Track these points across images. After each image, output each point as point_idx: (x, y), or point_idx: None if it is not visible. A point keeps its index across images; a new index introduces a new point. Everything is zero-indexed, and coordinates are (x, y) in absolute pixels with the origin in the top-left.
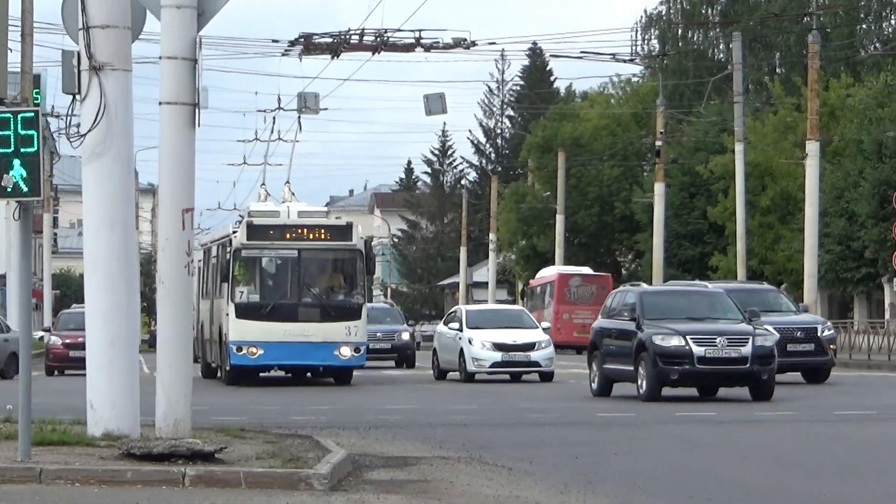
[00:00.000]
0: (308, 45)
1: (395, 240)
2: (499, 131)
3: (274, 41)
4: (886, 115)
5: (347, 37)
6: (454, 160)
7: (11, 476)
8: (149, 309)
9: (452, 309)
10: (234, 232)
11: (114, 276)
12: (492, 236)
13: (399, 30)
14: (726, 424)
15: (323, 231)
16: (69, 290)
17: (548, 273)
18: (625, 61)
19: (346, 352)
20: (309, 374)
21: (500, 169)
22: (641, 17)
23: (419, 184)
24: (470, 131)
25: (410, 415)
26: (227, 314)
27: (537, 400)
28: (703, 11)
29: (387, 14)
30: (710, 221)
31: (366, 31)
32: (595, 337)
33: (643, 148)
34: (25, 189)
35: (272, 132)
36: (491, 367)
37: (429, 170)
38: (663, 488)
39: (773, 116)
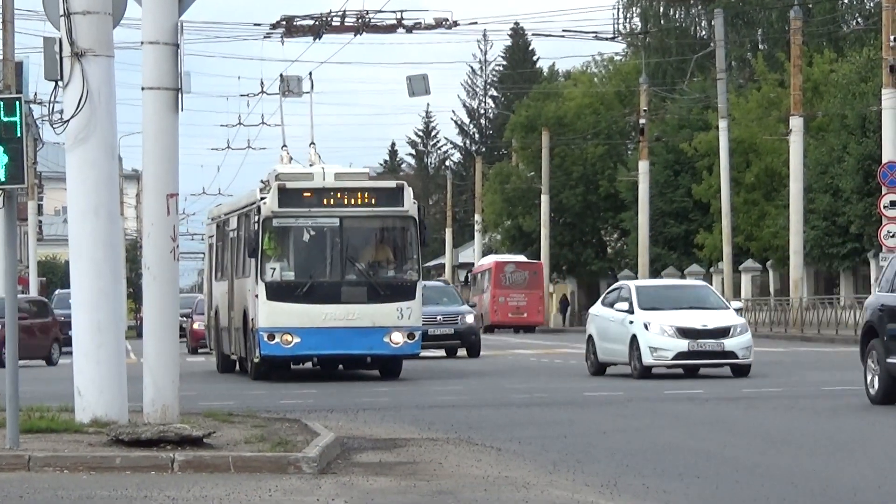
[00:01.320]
0: (290, 27)
1: None
2: (482, 112)
3: (256, 24)
4: (870, 90)
5: (329, 19)
6: (438, 141)
7: (0, 464)
8: (135, 295)
9: (616, 285)
10: (263, 198)
11: (99, 262)
12: (477, 217)
13: (380, 11)
14: (714, 401)
15: (369, 194)
16: (55, 276)
17: (486, 261)
18: (607, 39)
19: (397, 338)
20: (340, 367)
21: (484, 149)
22: None
23: (403, 165)
24: (453, 112)
25: (398, 397)
26: (256, 296)
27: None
28: None
29: None
30: (694, 199)
31: (347, 12)
32: (873, 318)
33: (627, 126)
34: (9, 176)
35: (283, 92)
36: (675, 358)
37: (413, 151)
38: (652, 467)
39: (757, 93)
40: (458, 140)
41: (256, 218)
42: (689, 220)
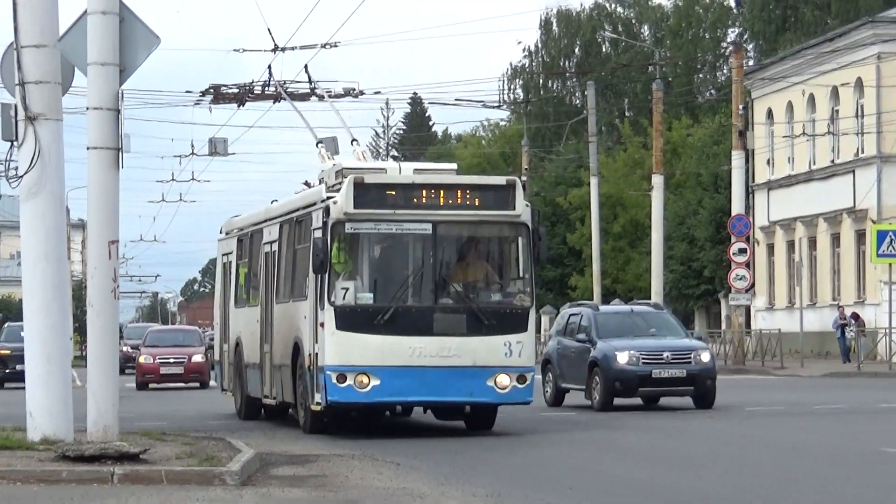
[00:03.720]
0: (217, 95)
1: None
2: None
3: (187, 92)
4: (721, 152)
5: (251, 87)
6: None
7: None
8: (80, 329)
9: None
10: (330, 197)
11: (49, 301)
12: None
13: (296, 81)
14: (595, 422)
15: (471, 193)
16: (10, 313)
17: None
18: (494, 107)
19: (504, 381)
20: (387, 413)
21: None
22: (508, 68)
23: None
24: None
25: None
26: (321, 324)
27: None
28: (561, 63)
29: (286, 67)
30: (569, 246)
31: (267, 82)
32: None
33: None
34: None
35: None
36: None
37: None
38: (532, 480)
39: (624, 154)
40: None
41: (323, 221)
42: (564, 264)
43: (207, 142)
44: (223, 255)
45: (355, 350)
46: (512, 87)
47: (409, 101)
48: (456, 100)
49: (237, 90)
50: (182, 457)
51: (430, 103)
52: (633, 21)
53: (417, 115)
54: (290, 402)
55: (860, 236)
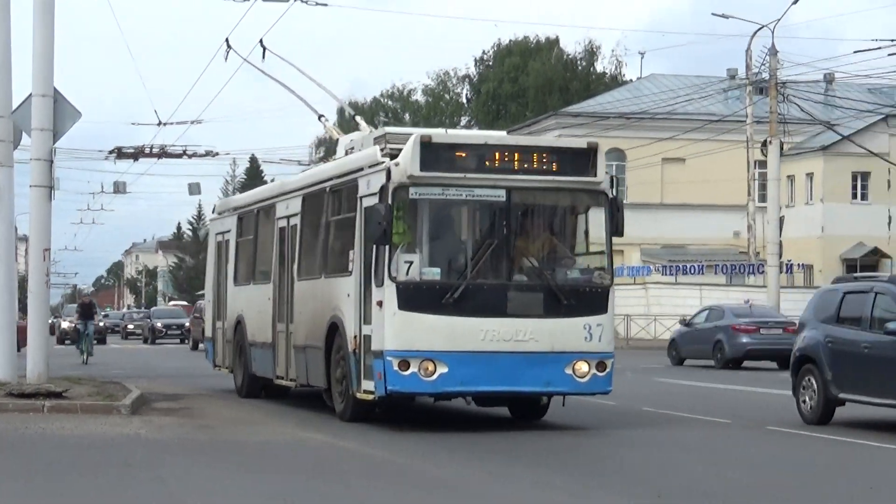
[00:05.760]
0: (119, 153)
1: (171, 266)
2: None
3: (99, 150)
4: None
5: (143, 148)
6: (205, 222)
7: None
8: (23, 308)
9: None
10: (389, 158)
11: (1, 289)
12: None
13: (173, 144)
14: None
15: (549, 157)
16: None
17: None
18: (305, 166)
19: (583, 368)
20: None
21: None
22: (315, 139)
23: (185, 235)
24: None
25: (182, 369)
26: (379, 303)
27: None
28: None
29: (168, 134)
30: None
31: (154, 145)
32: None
33: None
34: None
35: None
36: None
37: (190, 228)
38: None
39: None
40: None
41: (382, 186)
42: None
43: (112, 184)
44: (217, 234)
45: (420, 333)
46: (318, 151)
47: (249, 159)
48: (280, 159)
49: (133, 150)
50: (92, 395)
51: (263, 161)
52: (399, 110)
53: (254, 169)
54: (320, 387)
55: None
